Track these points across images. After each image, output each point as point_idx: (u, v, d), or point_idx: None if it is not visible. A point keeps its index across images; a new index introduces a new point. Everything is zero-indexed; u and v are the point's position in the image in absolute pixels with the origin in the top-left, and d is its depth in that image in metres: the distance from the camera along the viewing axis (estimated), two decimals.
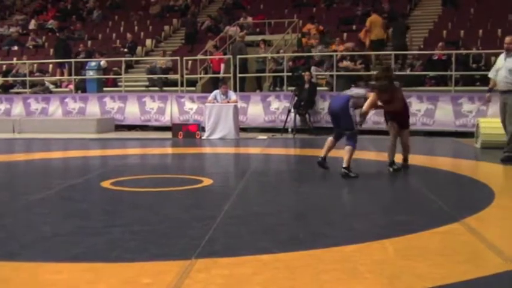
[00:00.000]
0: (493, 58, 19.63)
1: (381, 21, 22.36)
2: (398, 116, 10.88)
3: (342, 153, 10.15)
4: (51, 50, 26.37)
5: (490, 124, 14.37)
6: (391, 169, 10.61)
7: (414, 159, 12.06)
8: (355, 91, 10.56)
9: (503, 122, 12.02)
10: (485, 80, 19.23)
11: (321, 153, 10.55)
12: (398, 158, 10.88)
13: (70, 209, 7.70)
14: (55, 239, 5.94)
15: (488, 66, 19.36)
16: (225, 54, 23.03)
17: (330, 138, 10.58)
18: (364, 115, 10.40)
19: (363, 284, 4.57)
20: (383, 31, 22.18)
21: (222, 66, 21.72)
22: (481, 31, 22.95)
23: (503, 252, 5.30)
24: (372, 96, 10.22)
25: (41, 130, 19.61)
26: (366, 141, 16.09)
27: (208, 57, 22.87)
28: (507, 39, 11.90)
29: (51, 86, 24.08)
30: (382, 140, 15.57)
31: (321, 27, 24.00)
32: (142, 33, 28.38)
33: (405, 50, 21.69)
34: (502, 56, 12.01)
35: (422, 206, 7.67)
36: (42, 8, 33.27)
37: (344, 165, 10.01)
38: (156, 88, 22.67)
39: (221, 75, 21.27)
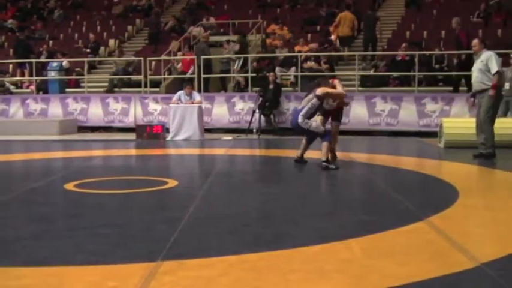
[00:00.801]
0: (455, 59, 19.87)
1: (351, 18, 22.52)
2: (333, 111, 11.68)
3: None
4: (11, 50, 26.08)
5: (453, 124, 14.52)
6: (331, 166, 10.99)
7: (379, 159, 12.12)
8: (305, 100, 11.12)
9: (478, 123, 12.30)
10: (447, 81, 19.49)
11: (298, 152, 11.45)
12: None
13: (33, 212, 7.59)
14: (17, 243, 5.85)
15: (451, 66, 19.60)
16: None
17: (304, 140, 11.43)
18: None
19: (329, 283, 4.57)
20: (350, 29, 22.31)
21: (192, 67, 21.57)
22: (443, 32, 23.14)
23: (468, 250, 5.34)
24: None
25: (2, 132, 19.27)
26: None
27: (172, 57, 22.79)
28: (473, 42, 12.67)
29: (12, 87, 23.81)
30: (347, 140, 15.64)
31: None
32: (105, 34, 28.18)
33: (375, 42, 22.17)
34: (475, 59, 12.61)
35: (387, 205, 7.70)
36: (1, 6, 32.84)
37: (323, 160, 10.78)
38: (120, 89, 22.53)
39: (189, 75, 21.14)
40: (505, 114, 15.07)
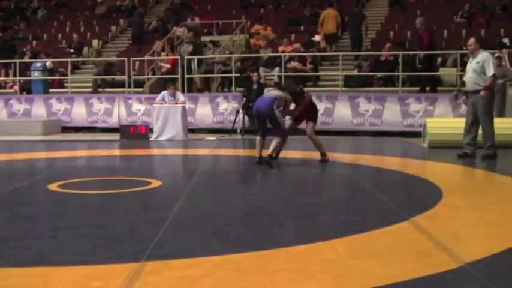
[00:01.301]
0: (439, 59, 19.95)
1: (334, 15, 22.59)
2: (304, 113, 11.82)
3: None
4: None
5: (437, 124, 14.57)
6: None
7: (363, 159, 12.14)
8: (275, 93, 11.16)
9: (468, 123, 12.31)
10: (431, 81, 19.54)
11: (256, 153, 11.30)
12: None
13: (16, 212, 7.55)
14: (1, 244, 5.82)
15: (435, 66, 19.65)
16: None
17: (258, 138, 11.36)
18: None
19: (314, 283, 4.57)
20: (334, 26, 22.37)
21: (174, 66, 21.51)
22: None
23: (451, 250, 5.35)
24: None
25: None
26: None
27: (155, 58, 22.75)
28: (469, 41, 12.57)
29: None
30: (331, 141, 15.66)
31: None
32: (88, 34, 28.12)
33: (360, 40, 22.27)
34: (470, 58, 12.54)
35: (371, 205, 7.71)
36: None
37: (269, 153, 10.96)
38: (104, 89, 22.47)
39: (176, 75, 21.11)
40: (499, 114, 15.19)
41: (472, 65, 12.19)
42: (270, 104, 10.89)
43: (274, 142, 11.04)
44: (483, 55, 12.12)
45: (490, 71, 11.92)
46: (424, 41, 18.94)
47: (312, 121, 11.81)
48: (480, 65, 11.99)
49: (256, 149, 11.32)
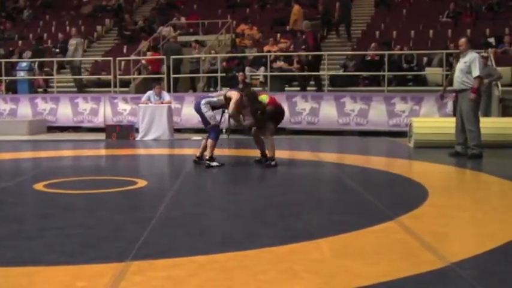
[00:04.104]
0: (424, 59, 20.03)
1: (301, 11, 23.03)
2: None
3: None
4: None
5: (423, 124, 14.60)
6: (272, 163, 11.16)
7: (349, 159, 12.15)
8: (215, 96, 11.54)
9: (459, 122, 12.39)
10: (417, 80, 19.63)
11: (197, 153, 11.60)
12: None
13: (2, 212, 7.52)
14: None
15: (420, 66, 19.74)
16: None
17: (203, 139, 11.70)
18: (233, 117, 11.68)
19: (300, 283, 4.57)
20: (300, 22, 22.60)
21: (164, 66, 21.43)
22: (413, 32, 23.29)
23: (437, 250, 5.37)
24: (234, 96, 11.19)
25: None
26: (301, 141, 16.20)
27: (141, 57, 22.71)
28: (460, 41, 12.67)
29: None
30: (316, 140, 15.68)
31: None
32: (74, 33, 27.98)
33: (349, 24, 23.45)
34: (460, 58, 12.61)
35: (357, 205, 7.72)
36: None
37: (206, 158, 11.14)
38: (89, 89, 22.42)
39: (160, 75, 21.08)
40: (485, 113, 15.26)
41: (460, 64, 12.30)
42: (199, 103, 11.28)
43: (207, 147, 11.24)
44: (471, 55, 12.22)
45: (476, 71, 11.97)
46: (310, 42, 19.55)
47: (273, 123, 11.58)
48: (467, 65, 12.08)
49: (200, 148, 11.60)
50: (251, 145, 11.58)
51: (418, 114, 17.06)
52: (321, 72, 20.29)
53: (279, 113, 11.50)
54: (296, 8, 23.71)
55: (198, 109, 11.31)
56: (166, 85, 20.34)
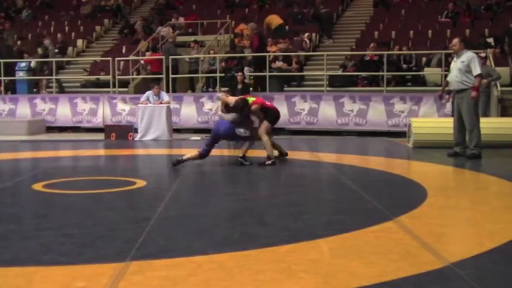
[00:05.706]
0: (423, 59, 20.04)
1: (272, 17, 23.50)
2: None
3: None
4: None
5: (422, 124, 14.60)
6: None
7: (348, 159, 12.13)
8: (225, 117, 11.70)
9: (456, 123, 12.37)
10: (416, 80, 19.64)
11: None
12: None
13: (0, 212, 7.52)
14: None
15: (419, 66, 19.75)
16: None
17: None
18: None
19: (298, 283, 4.56)
20: (279, 17, 22.81)
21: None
22: (412, 32, 23.30)
23: (436, 250, 5.37)
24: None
25: None
26: (300, 141, 16.19)
27: (140, 57, 22.71)
28: (453, 41, 12.64)
29: None
30: (315, 140, 15.67)
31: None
32: (73, 34, 28.03)
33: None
34: (455, 58, 12.60)
35: (356, 205, 7.71)
36: None
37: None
38: (88, 89, 22.42)
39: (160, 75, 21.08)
40: (484, 113, 15.26)
41: (456, 64, 12.25)
42: (231, 129, 11.30)
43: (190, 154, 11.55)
44: (468, 55, 12.19)
45: (476, 70, 11.97)
46: (254, 44, 20.39)
47: (269, 122, 11.81)
48: (465, 64, 12.05)
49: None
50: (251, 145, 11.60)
51: (417, 115, 17.07)
52: (319, 72, 20.30)
53: (264, 110, 11.87)
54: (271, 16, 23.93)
55: (232, 135, 11.43)
56: (165, 85, 20.35)
